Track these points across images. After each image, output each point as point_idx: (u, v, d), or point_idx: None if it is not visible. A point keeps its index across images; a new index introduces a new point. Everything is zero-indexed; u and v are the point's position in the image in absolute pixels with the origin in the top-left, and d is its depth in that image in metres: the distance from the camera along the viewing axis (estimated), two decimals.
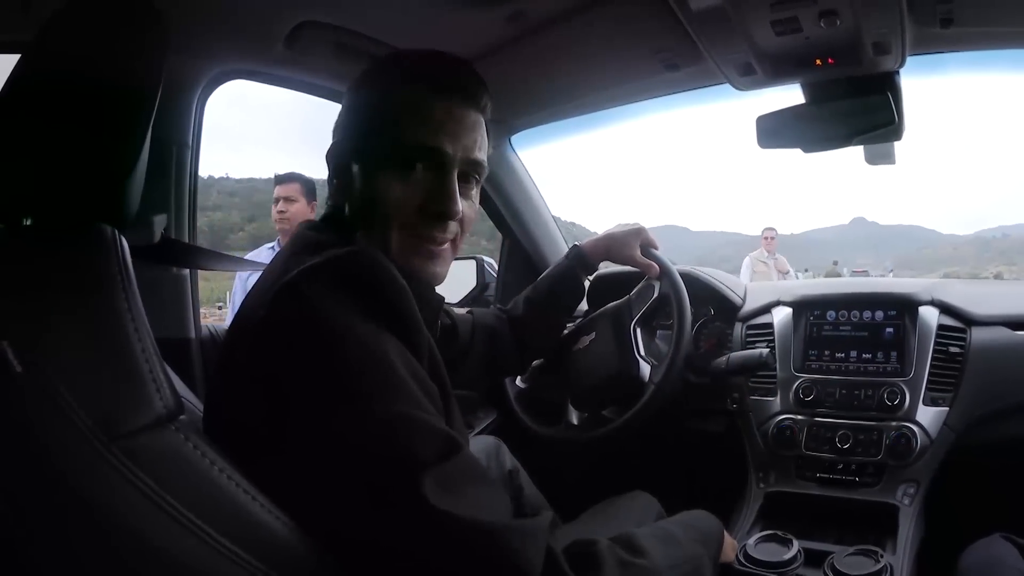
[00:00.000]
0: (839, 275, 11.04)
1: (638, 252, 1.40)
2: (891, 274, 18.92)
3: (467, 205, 0.87)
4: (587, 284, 1.46)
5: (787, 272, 7.95)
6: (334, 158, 0.89)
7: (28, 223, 0.61)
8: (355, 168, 0.85)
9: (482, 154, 0.88)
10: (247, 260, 2.06)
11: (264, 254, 2.87)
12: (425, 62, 0.86)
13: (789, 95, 1.40)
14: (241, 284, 2.84)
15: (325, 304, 0.65)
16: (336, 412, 0.61)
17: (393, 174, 0.83)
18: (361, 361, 0.63)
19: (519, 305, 1.41)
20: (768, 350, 1.40)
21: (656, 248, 1.42)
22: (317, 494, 0.61)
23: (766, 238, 8.28)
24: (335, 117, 0.93)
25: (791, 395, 1.50)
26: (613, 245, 1.41)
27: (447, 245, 0.88)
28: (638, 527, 1.22)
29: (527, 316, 1.39)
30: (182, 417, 0.58)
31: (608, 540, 0.78)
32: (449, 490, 0.60)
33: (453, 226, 0.87)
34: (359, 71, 0.90)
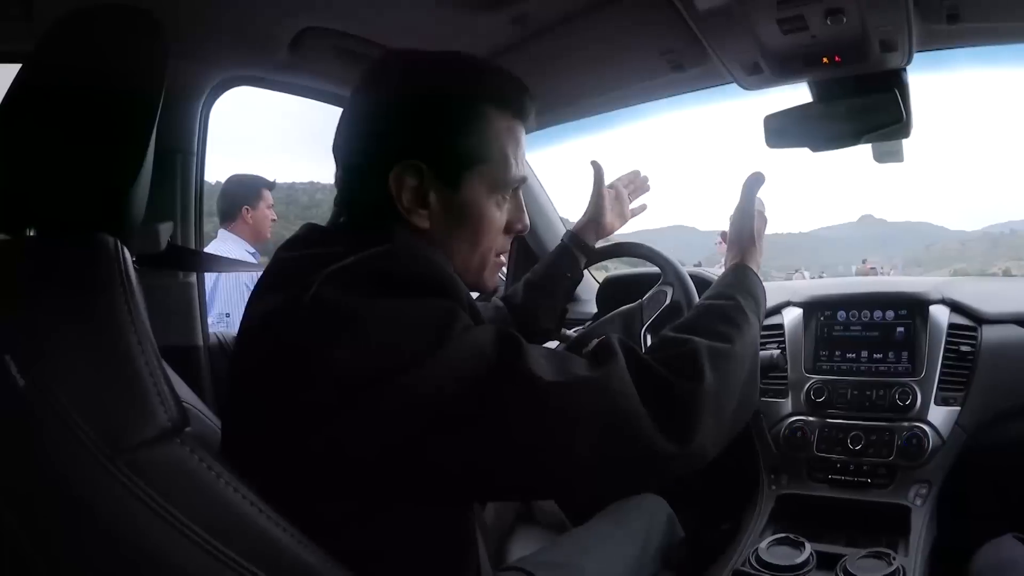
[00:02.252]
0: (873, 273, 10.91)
1: (622, 213, 1.42)
2: (893, 272, 18.72)
3: None
4: (591, 277, 1.45)
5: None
6: (383, 158, 0.77)
7: (31, 233, 0.61)
8: (435, 181, 0.79)
9: None
10: (256, 264, 2.04)
11: (234, 250, 2.51)
12: (509, 84, 0.85)
13: (796, 94, 1.39)
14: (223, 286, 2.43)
15: (372, 296, 0.63)
16: (413, 369, 0.60)
17: (491, 197, 0.83)
18: (420, 319, 0.64)
19: (518, 291, 1.39)
20: (779, 351, 1.38)
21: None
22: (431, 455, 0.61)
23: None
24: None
25: (802, 396, 1.49)
26: (596, 214, 1.39)
27: None
28: (648, 530, 1.22)
29: (527, 299, 1.37)
30: (187, 429, 0.57)
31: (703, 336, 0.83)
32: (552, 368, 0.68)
33: None
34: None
